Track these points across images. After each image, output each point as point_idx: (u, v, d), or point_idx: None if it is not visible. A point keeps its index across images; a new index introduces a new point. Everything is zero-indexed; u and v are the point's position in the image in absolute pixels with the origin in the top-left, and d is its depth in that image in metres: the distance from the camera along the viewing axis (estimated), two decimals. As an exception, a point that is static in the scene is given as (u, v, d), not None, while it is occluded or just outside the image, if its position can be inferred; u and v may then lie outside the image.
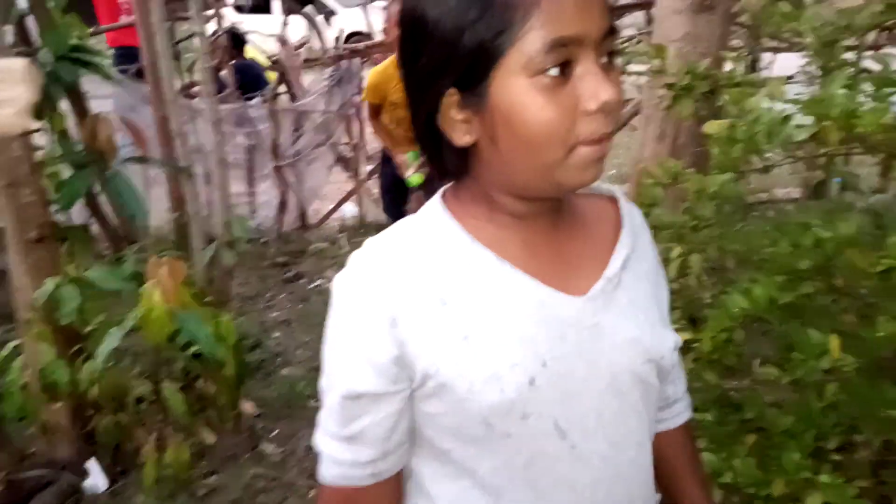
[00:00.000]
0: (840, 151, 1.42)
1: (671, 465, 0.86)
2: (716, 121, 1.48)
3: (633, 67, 1.71)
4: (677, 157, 2.26)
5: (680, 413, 0.88)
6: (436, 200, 0.73)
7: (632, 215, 0.78)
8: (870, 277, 1.24)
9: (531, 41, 0.58)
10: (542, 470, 0.69)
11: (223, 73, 4.16)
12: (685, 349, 1.45)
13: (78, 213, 2.56)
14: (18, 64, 0.31)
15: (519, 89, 0.60)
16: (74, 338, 1.94)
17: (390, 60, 3.10)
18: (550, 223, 0.71)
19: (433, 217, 0.71)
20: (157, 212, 4.19)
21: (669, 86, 1.62)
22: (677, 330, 1.50)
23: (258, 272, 3.78)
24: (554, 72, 0.59)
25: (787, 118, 1.28)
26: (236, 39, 4.43)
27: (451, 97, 0.63)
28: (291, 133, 4.06)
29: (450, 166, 0.69)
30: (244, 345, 2.94)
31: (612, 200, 0.79)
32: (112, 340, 1.51)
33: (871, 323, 1.22)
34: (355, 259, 0.69)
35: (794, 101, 1.44)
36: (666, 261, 1.45)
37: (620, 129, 3.50)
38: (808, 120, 1.20)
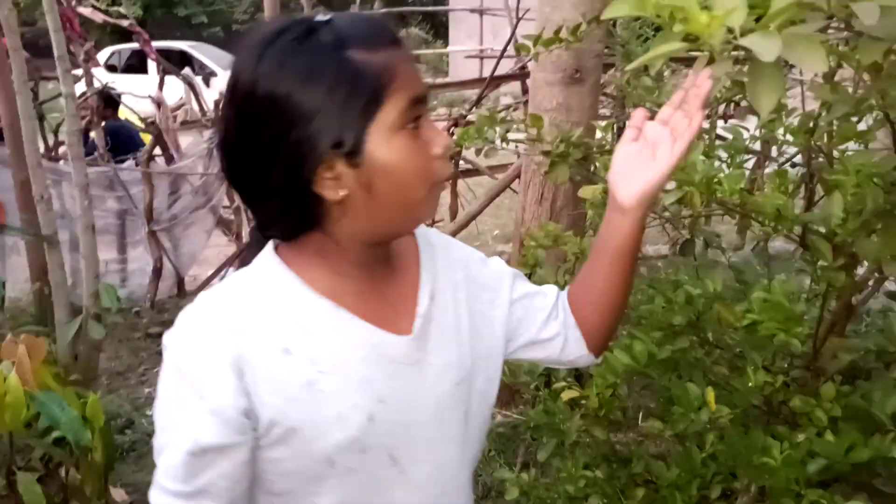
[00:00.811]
0: (703, 213, 1.53)
1: (586, 284, 0.91)
2: (589, 186, 1.57)
3: (511, 135, 1.79)
4: (556, 219, 2.37)
5: (555, 301, 0.92)
6: (268, 255, 0.76)
7: (428, 244, 0.85)
8: (736, 330, 1.33)
9: (397, 101, 0.68)
10: (376, 496, 0.75)
11: (93, 134, 3.96)
12: (573, 405, 1.49)
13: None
14: None
15: (392, 143, 0.69)
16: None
17: None
18: (380, 270, 0.78)
19: (268, 269, 0.75)
20: (16, 282, 3.87)
21: (546, 153, 1.71)
22: (566, 388, 1.53)
23: (129, 345, 3.54)
24: (412, 125, 0.70)
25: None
26: (108, 100, 4.26)
27: (319, 160, 0.68)
28: (168, 196, 3.90)
29: (298, 224, 0.73)
30: (114, 425, 2.72)
31: (410, 235, 0.85)
32: (-43, 430, 1.35)
33: (740, 373, 1.31)
34: (191, 314, 0.71)
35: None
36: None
37: (502, 191, 3.62)
38: (672, 184, 1.29)
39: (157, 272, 3.83)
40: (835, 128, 1.28)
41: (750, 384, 1.25)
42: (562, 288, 0.96)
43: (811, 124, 1.26)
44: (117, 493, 2.15)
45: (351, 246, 0.74)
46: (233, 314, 0.71)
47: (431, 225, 4.41)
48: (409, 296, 0.80)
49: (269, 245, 0.76)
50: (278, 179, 0.69)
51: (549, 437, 1.50)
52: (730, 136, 1.45)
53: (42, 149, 4.14)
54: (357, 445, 0.72)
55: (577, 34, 1.70)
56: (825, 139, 1.30)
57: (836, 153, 1.34)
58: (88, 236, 2.28)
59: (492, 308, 0.86)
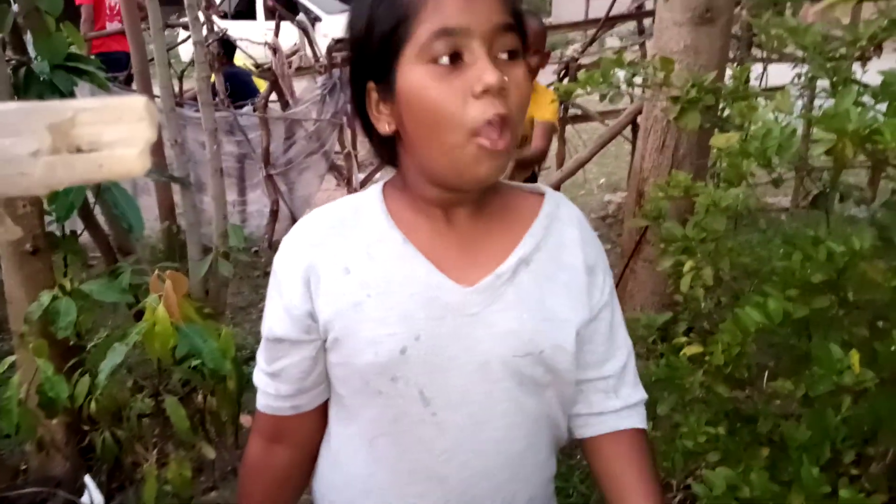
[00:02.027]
0: (848, 165, 1.43)
1: (616, 479, 0.83)
2: (723, 134, 1.49)
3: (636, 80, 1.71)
4: (678, 168, 2.28)
5: (623, 409, 0.85)
6: (378, 184, 0.82)
7: (555, 214, 0.82)
8: (882, 291, 1.25)
9: (422, 32, 0.67)
10: (405, 428, 0.78)
11: (213, 80, 4.12)
12: (697, 362, 1.46)
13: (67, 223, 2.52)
14: (138, 102, 0.30)
15: (416, 76, 0.68)
16: (71, 351, 1.90)
17: None
18: (466, 214, 0.79)
19: (368, 197, 0.81)
20: (146, 221, 4.14)
21: (675, 98, 1.63)
22: (687, 343, 1.51)
23: (250, 282, 3.74)
24: (445, 60, 0.67)
25: (794, 132, 1.29)
26: (227, 47, 4.40)
27: (372, 91, 0.73)
28: (283, 141, 4.03)
29: (382, 155, 0.80)
30: (239, 356, 2.90)
31: (541, 198, 0.84)
32: (116, 356, 1.48)
33: (882, 336, 1.23)
34: (296, 225, 0.82)
35: (807, 116, 1.45)
36: (678, 273, 1.45)
37: (614, 137, 3.51)
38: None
39: (274, 214, 3.99)
40: None
41: (893, 348, 1.18)
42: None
43: None
44: (244, 419, 2.31)
45: (419, 184, 0.77)
46: (317, 230, 0.79)
47: (538, 171, 4.36)
48: (500, 253, 0.79)
49: (388, 176, 0.83)
50: (355, 109, 0.77)
51: (669, 392, 1.48)
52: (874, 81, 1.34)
53: (168, 94, 4.35)
54: (388, 373, 0.75)
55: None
56: None
57: None
58: (217, 179, 2.39)
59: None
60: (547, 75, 4.23)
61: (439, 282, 0.76)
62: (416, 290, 0.76)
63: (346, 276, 0.76)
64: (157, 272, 1.65)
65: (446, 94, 0.67)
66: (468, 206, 0.79)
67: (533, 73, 2.30)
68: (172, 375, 2.04)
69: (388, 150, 0.78)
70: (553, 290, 0.80)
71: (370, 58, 0.71)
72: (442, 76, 0.67)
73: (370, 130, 0.77)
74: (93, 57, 2.74)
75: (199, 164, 3.82)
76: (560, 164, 4.22)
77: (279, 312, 0.79)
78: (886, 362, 1.16)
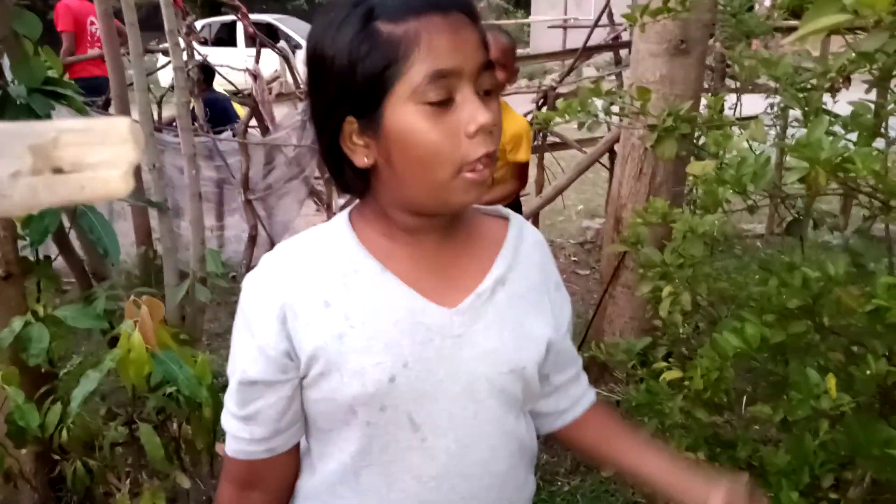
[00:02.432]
0: (822, 192, 1.46)
1: (602, 442, 0.94)
2: (699, 162, 1.52)
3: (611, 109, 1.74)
4: (655, 195, 2.31)
5: (582, 397, 0.96)
6: (344, 214, 0.82)
7: (521, 237, 0.86)
8: (856, 316, 1.27)
9: (415, 74, 0.67)
10: (394, 457, 0.78)
11: (193, 105, 4.11)
12: (676, 387, 1.46)
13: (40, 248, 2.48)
14: (122, 123, 0.29)
15: (409, 116, 0.68)
16: (43, 378, 1.86)
17: None
18: (439, 239, 0.80)
19: (335, 228, 0.80)
20: (122, 245, 4.09)
21: (651, 127, 1.66)
22: (667, 368, 1.51)
23: (227, 308, 3.70)
24: (437, 100, 0.68)
25: (768, 160, 1.32)
26: (206, 73, 4.40)
27: (351, 125, 0.72)
28: (262, 167, 4.02)
29: (351, 186, 0.79)
30: (215, 384, 2.86)
31: (506, 221, 0.87)
32: (89, 383, 1.45)
33: (857, 361, 1.25)
34: (263, 261, 0.79)
35: (781, 145, 1.48)
36: (657, 299, 1.46)
37: (592, 165, 3.55)
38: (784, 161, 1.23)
39: (253, 239, 3.96)
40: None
41: (869, 372, 1.20)
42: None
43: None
44: (220, 448, 2.27)
45: (394, 213, 0.77)
46: (289, 265, 0.77)
47: (518, 199, 4.38)
48: (476, 274, 0.81)
49: (352, 206, 0.83)
50: (322, 141, 0.76)
51: (649, 417, 1.48)
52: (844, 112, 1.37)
53: (146, 119, 4.33)
54: (376, 402, 0.75)
55: (685, 3, 1.64)
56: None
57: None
58: (196, 204, 2.37)
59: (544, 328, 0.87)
60: (525, 104, 4.28)
61: (422, 306, 0.77)
62: (399, 316, 0.76)
63: (326, 309, 0.75)
64: (132, 298, 1.62)
65: (439, 134, 0.68)
66: (439, 231, 0.80)
67: (500, 87, 2.33)
68: (147, 403, 2.01)
69: (358, 181, 0.78)
70: (526, 309, 0.83)
71: (352, 94, 0.70)
72: (434, 116, 0.68)
73: (336, 161, 0.77)
74: (72, 81, 2.73)
75: (177, 189, 3.79)
76: (539, 190, 4.25)
77: (252, 353, 0.77)
78: (862, 387, 1.18)
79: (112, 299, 1.97)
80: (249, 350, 0.77)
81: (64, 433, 1.72)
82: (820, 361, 1.36)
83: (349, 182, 0.78)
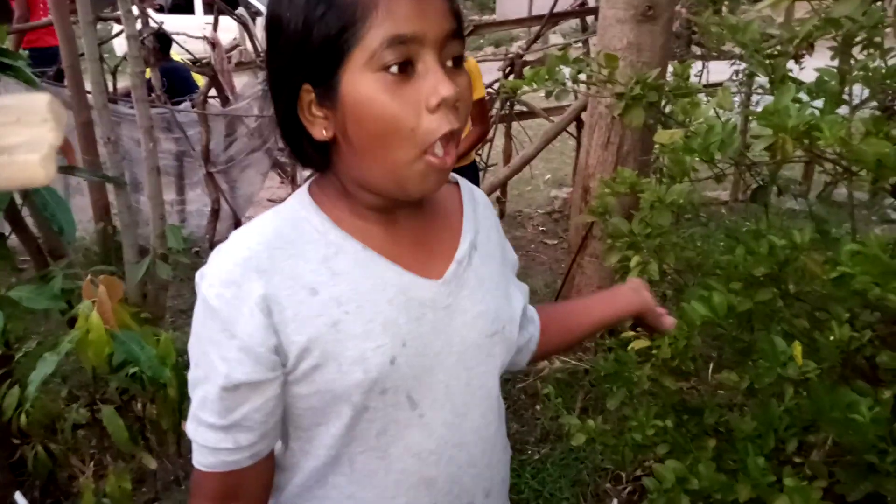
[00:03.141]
0: (787, 160, 1.47)
1: (559, 335, 1.02)
2: (666, 130, 1.51)
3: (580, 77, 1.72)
4: (622, 164, 2.30)
5: (533, 315, 1.00)
6: (302, 192, 0.77)
7: (472, 198, 0.87)
8: (821, 283, 1.28)
9: (371, 38, 0.63)
10: (392, 438, 0.75)
11: (149, 75, 3.98)
12: (644, 355, 1.47)
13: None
14: (40, 101, 0.26)
15: (365, 85, 0.64)
16: (-1, 362, 1.80)
17: None
18: (410, 213, 0.78)
19: (301, 208, 0.75)
20: (79, 222, 3.98)
21: (619, 95, 1.64)
22: (634, 337, 1.52)
23: (191, 284, 3.62)
24: (395, 69, 0.63)
25: (735, 128, 1.31)
26: (163, 41, 4.26)
27: (308, 94, 0.68)
28: (224, 138, 3.92)
29: (312, 159, 0.74)
30: (180, 362, 2.81)
31: (456, 186, 0.87)
32: (47, 366, 1.40)
33: (821, 327, 1.26)
34: (223, 252, 0.71)
35: (748, 112, 1.47)
36: (625, 269, 1.46)
37: (559, 134, 3.54)
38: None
39: (215, 213, 3.89)
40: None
41: (833, 338, 1.21)
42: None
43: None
44: (188, 427, 2.23)
45: (358, 192, 0.74)
46: (261, 254, 0.70)
47: (485, 169, 4.36)
48: (449, 242, 0.80)
49: (306, 184, 0.78)
50: (278, 111, 0.71)
51: (617, 386, 1.49)
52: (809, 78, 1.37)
53: (101, 90, 4.19)
54: (378, 387, 0.72)
55: (654, -32, 1.61)
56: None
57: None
58: (154, 178, 2.30)
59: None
60: (492, 72, 4.23)
61: (411, 281, 0.75)
62: (391, 294, 0.73)
63: (313, 297, 0.70)
64: (90, 276, 1.57)
65: (399, 106, 0.64)
66: (408, 205, 0.78)
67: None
68: (110, 384, 1.96)
69: (318, 155, 0.73)
70: (495, 268, 0.84)
71: (308, 60, 0.66)
72: (393, 86, 0.64)
73: (295, 133, 0.72)
74: (23, 51, 2.60)
75: (135, 163, 3.68)
76: (507, 160, 4.23)
77: (236, 355, 0.69)
78: (827, 353, 1.19)
79: (70, 278, 1.91)
80: (230, 352, 0.69)
81: (23, 417, 1.68)
82: (786, 328, 1.37)
83: (309, 156, 0.74)
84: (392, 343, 0.72)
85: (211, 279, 0.70)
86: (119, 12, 2.31)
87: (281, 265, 0.70)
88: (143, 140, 2.29)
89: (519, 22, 4.25)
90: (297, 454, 0.79)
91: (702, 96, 1.68)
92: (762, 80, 1.80)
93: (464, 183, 0.88)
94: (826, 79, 1.37)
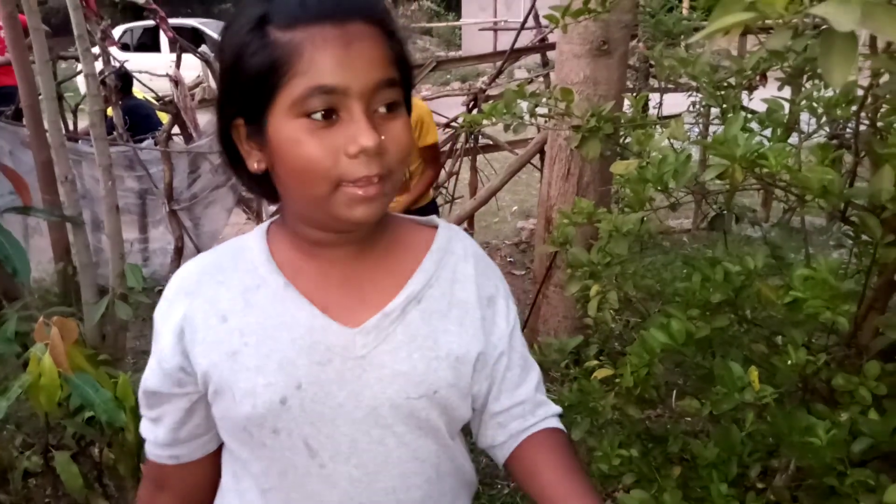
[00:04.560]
0: (740, 188, 1.50)
1: (539, 475, 0.78)
2: (622, 161, 1.54)
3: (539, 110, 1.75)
4: (583, 195, 2.33)
5: (539, 422, 0.83)
6: (265, 223, 0.80)
7: (448, 249, 0.80)
8: (776, 308, 1.30)
9: (296, 86, 0.64)
10: (293, 482, 0.75)
11: (111, 113, 3.95)
12: (606, 384, 1.47)
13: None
14: None
15: (289, 128, 0.65)
16: (-53, 409, 1.73)
17: None
18: (352, 253, 0.76)
19: (252, 239, 0.78)
20: (38, 263, 3.90)
21: (576, 128, 1.67)
22: (598, 366, 1.52)
23: (152, 324, 3.56)
24: (318, 115, 0.64)
25: (689, 157, 1.34)
26: (124, 80, 4.24)
27: (241, 127, 0.70)
28: (187, 175, 3.89)
29: (254, 189, 0.77)
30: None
31: (434, 230, 0.82)
32: (-5, 412, 1.36)
33: (779, 352, 1.28)
34: (176, 273, 0.78)
35: (699, 143, 1.51)
36: (586, 298, 1.47)
37: (524, 166, 3.58)
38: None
39: (179, 251, 3.83)
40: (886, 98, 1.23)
41: (790, 362, 1.23)
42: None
43: (863, 96, 1.22)
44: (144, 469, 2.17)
45: (300, 226, 0.75)
46: (194, 278, 0.75)
47: (451, 202, 4.38)
48: (388, 290, 0.76)
49: (272, 218, 0.81)
50: (219, 140, 0.74)
51: (582, 415, 1.49)
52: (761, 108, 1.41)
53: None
54: (268, 424, 0.72)
55: (605, 4, 1.66)
56: (871, 111, 1.26)
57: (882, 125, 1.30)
58: (113, 216, 2.27)
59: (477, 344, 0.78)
60: (458, 106, 4.28)
61: (323, 324, 0.73)
62: (298, 334, 0.72)
63: (222, 324, 0.73)
64: (42, 319, 1.53)
65: (319, 150, 0.65)
66: (353, 244, 0.75)
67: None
68: (67, 429, 1.90)
69: (259, 186, 0.75)
70: (445, 328, 0.77)
71: (239, 95, 0.68)
72: (315, 130, 0.65)
73: (237, 163, 0.74)
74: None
75: (97, 202, 3.63)
76: (473, 193, 4.26)
77: (153, 364, 0.76)
78: (783, 378, 1.21)
79: (25, 321, 1.86)
80: (152, 360, 0.76)
81: (-29, 466, 1.62)
82: (745, 353, 1.39)
83: (251, 186, 0.77)
84: (285, 383, 0.71)
85: (163, 295, 0.76)
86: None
87: (205, 290, 0.74)
88: (101, 178, 2.26)
89: (481, 58, 4.33)
90: (227, 471, 0.82)
91: (658, 128, 1.73)
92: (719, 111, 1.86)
93: (445, 231, 0.82)
94: (774, 108, 1.41)
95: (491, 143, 4.32)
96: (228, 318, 0.73)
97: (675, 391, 1.63)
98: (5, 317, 1.87)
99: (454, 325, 0.77)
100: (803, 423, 1.12)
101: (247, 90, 0.66)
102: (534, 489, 0.78)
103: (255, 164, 0.71)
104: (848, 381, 1.20)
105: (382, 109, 0.67)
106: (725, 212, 1.80)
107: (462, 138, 4.09)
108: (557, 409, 0.87)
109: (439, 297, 0.77)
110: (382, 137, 0.66)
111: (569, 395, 1.48)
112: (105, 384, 1.55)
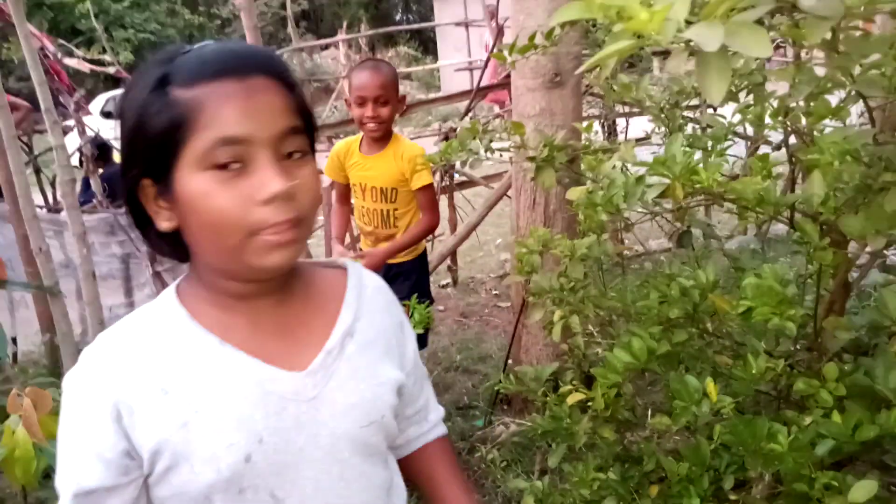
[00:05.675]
0: (692, 204, 1.53)
1: (433, 480, 0.94)
2: (577, 187, 1.57)
3: (498, 144, 1.79)
4: (550, 224, 2.37)
5: (431, 429, 0.96)
6: (170, 289, 0.77)
7: (361, 284, 0.85)
8: (734, 319, 1.32)
9: (200, 139, 0.65)
10: None
11: (92, 182, 3.99)
12: (581, 408, 1.48)
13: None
14: None
15: (196, 182, 0.66)
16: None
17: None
18: (276, 301, 0.76)
19: (163, 306, 0.75)
20: (26, 335, 3.89)
21: (531, 159, 1.71)
22: (574, 390, 1.53)
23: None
24: (225, 167, 0.65)
25: (640, 179, 1.37)
26: (101, 148, 4.30)
27: (149, 188, 0.70)
28: (169, 237, 3.92)
29: (164, 250, 0.75)
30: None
31: (344, 271, 0.85)
32: (-31, 489, 1.35)
33: (742, 361, 1.30)
34: (84, 355, 0.72)
35: (643, 164, 1.55)
36: (550, 324, 1.49)
37: (499, 200, 3.62)
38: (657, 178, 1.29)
39: (165, 312, 3.83)
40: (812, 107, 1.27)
41: (752, 371, 1.24)
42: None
43: (786, 106, 1.26)
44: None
45: (218, 281, 0.73)
46: (116, 356, 0.71)
47: (432, 240, 4.40)
48: (321, 330, 0.78)
49: (179, 279, 0.78)
50: (125, 201, 0.73)
51: (559, 442, 1.49)
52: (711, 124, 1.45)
53: (41, 201, 4.18)
54: (234, 486, 0.70)
55: (552, 38, 1.71)
56: (803, 120, 1.30)
57: (816, 132, 1.34)
58: (90, 283, 2.29)
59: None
60: (428, 146, 4.34)
61: (270, 374, 0.73)
62: (248, 390, 0.72)
63: (164, 397, 0.70)
64: (14, 391, 1.53)
65: (229, 200, 0.65)
66: (273, 293, 0.76)
67: (389, 118, 2.34)
68: (47, 500, 1.89)
69: (170, 246, 0.74)
70: (379, 356, 0.82)
71: (144, 156, 0.68)
72: (225, 181, 0.66)
73: (144, 224, 0.73)
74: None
75: (78, 270, 3.64)
76: (453, 229, 4.29)
77: (87, 461, 0.69)
78: (741, 387, 1.22)
79: (4, 394, 1.86)
80: (83, 457, 0.69)
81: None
82: (712, 366, 1.40)
83: (161, 247, 0.75)
84: (247, 440, 0.70)
85: (70, 383, 0.71)
86: (67, 122, 2.34)
87: (134, 366, 0.70)
88: (76, 247, 2.29)
89: (450, 97, 4.41)
90: None
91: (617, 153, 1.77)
92: (688, 130, 1.91)
93: (353, 268, 0.87)
94: (712, 125, 1.46)
95: (466, 179, 4.38)
96: (169, 389, 0.70)
97: (649, 410, 1.64)
98: (-15, 392, 1.87)
99: (382, 352, 0.82)
100: (765, 431, 1.13)
101: (151, 149, 0.67)
102: (427, 489, 0.93)
103: (164, 222, 0.71)
104: (808, 384, 1.21)
105: (298, 155, 0.69)
106: (688, 229, 1.83)
107: (437, 177, 4.14)
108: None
109: (367, 328, 0.82)
110: (293, 183, 0.67)
111: (541, 422, 1.48)
112: (82, 451, 1.55)
